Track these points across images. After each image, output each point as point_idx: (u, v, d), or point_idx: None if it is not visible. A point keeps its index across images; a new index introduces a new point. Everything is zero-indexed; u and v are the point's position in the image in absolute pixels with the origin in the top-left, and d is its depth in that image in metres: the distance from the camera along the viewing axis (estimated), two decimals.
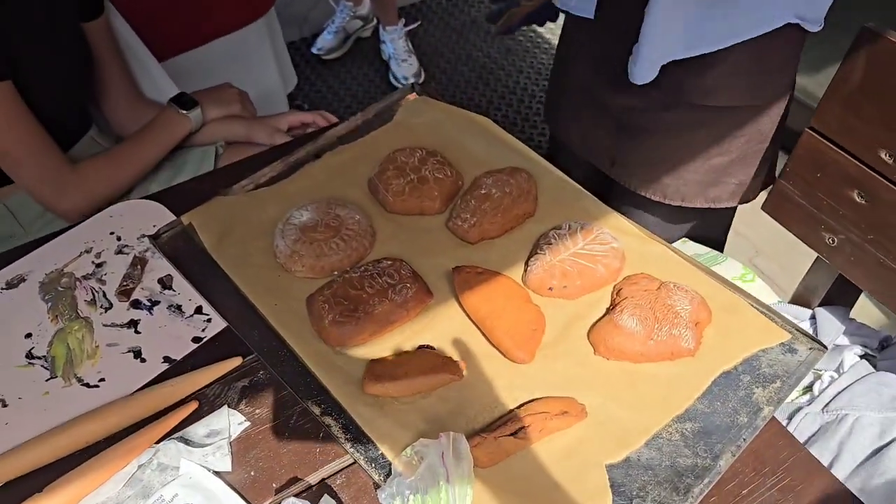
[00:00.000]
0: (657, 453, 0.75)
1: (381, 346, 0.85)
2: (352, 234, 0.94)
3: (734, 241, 1.40)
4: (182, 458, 0.74)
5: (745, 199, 1.23)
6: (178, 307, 0.90)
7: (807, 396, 1.16)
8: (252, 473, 0.76)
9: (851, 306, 1.30)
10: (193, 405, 0.80)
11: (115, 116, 1.36)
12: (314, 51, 2.64)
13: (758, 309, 0.87)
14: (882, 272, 1.10)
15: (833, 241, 1.15)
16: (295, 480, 0.75)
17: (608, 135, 1.21)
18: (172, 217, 1.00)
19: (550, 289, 0.88)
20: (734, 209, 1.28)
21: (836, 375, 1.17)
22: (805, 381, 1.19)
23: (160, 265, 0.95)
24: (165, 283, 0.93)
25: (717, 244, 1.33)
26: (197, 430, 0.78)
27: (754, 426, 0.77)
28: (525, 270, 0.91)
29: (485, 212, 0.95)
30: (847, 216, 1.12)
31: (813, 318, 1.25)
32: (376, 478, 0.74)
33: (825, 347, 0.83)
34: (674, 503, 0.72)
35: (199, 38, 1.68)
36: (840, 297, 1.29)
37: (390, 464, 0.74)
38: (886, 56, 1.00)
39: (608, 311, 0.87)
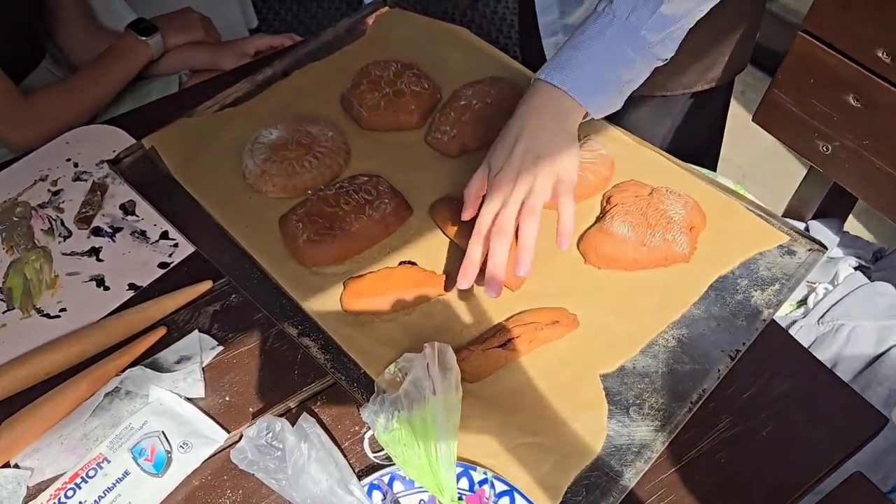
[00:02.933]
0: (653, 361, 0.72)
1: (359, 265, 0.80)
2: (325, 152, 0.88)
3: (720, 167, 1.36)
4: (151, 385, 0.70)
5: (742, 69, 1.17)
6: (143, 233, 0.85)
7: (801, 309, 1.14)
8: (227, 399, 0.72)
9: (845, 219, 1.27)
10: (162, 331, 0.75)
11: (71, 46, 1.28)
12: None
13: (754, 212, 0.83)
14: (878, 178, 1.06)
15: (827, 148, 1.11)
16: (273, 404, 0.71)
17: None
18: (133, 141, 0.94)
19: None
20: (731, 86, 1.21)
21: (830, 287, 1.14)
22: (799, 294, 1.16)
23: (121, 191, 0.89)
24: (128, 209, 0.87)
25: (709, 147, 1.28)
26: (166, 356, 0.74)
27: (753, 329, 0.73)
28: None
29: (465, 123, 0.89)
30: (841, 122, 1.07)
31: (806, 230, 1.21)
32: (359, 398, 0.70)
33: (825, 248, 0.80)
34: (671, 409, 0.68)
35: None
36: (833, 209, 1.25)
37: (373, 383, 0.70)
38: None
39: (598, 219, 0.83)
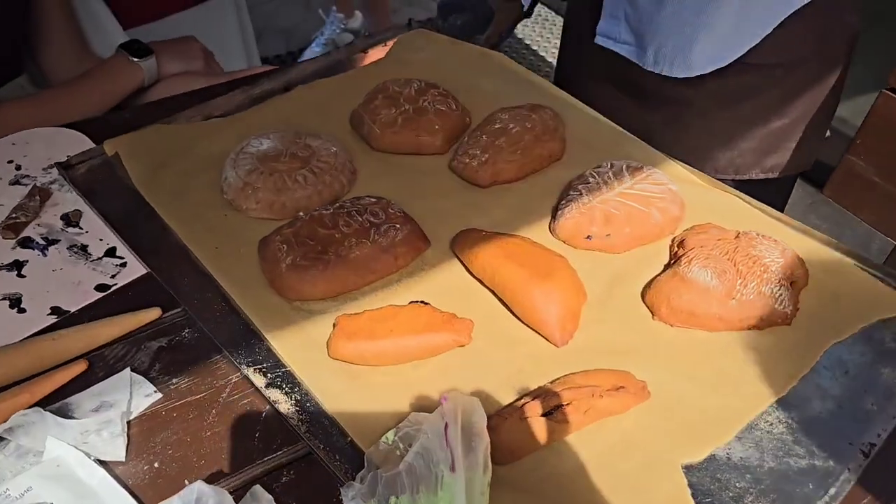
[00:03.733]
0: (755, 451, 0.52)
1: (356, 303, 0.61)
2: (325, 168, 0.71)
3: None
4: (49, 436, 0.49)
5: (807, 165, 1.01)
6: (83, 248, 0.66)
7: None
8: (156, 465, 0.51)
9: None
10: (81, 366, 0.56)
11: (53, 68, 1.14)
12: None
13: (868, 270, 0.65)
14: None
15: None
16: (220, 476, 0.50)
17: (640, 111, 0.98)
18: (93, 146, 0.77)
19: (589, 237, 0.65)
20: (792, 183, 1.05)
21: None
22: None
23: (67, 199, 0.72)
24: (71, 220, 0.69)
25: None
26: (81, 400, 0.53)
27: (889, 417, 0.53)
28: (553, 218, 0.69)
29: (500, 148, 0.73)
30: None
31: None
32: (341, 475, 0.50)
33: None
34: None
35: (161, 8, 1.48)
36: None
37: (363, 455, 0.49)
38: None
39: (668, 266, 0.64)
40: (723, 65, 0.85)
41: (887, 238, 0.96)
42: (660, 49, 0.86)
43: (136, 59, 1.06)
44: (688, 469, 0.50)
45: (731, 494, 0.49)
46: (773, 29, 0.83)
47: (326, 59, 0.90)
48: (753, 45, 0.84)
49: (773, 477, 0.50)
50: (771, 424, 0.53)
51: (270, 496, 0.45)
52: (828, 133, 1.00)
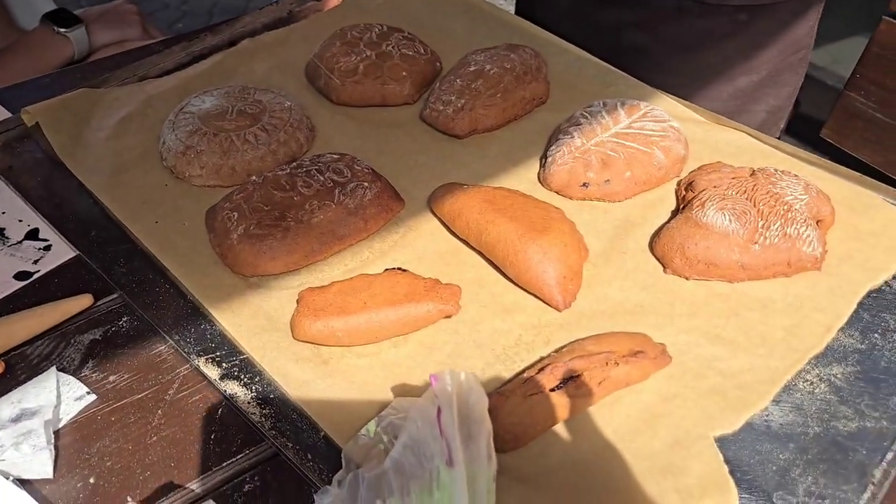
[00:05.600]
0: (797, 415, 0.44)
1: (322, 275, 0.53)
2: (278, 124, 0.62)
3: None
4: None
5: (776, 132, 0.93)
6: (0, 231, 0.57)
7: None
8: (91, 481, 0.42)
9: None
10: None
11: None
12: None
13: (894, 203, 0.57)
14: None
15: None
16: (170, 489, 0.42)
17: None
18: (9, 116, 0.67)
19: (585, 185, 0.57)
20: None
21: None
22: None
23: None
24: None
25: None
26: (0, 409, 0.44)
27: None
28: (542, 166, 0.61)
29: (477, 92, 0.64)
30: None
31: None
32: (314, 477, 0.41)
33: None
34: (844, 497, 0.40)
35: None
36: None
37: (339, 453, 0.41)
38: None
39: (677, 212, 0.57)
40: None
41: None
42: None
43: (62, 31, 0.96)
44: (722, 442, 0.43)
45: (774, 468, 0.42)
46: None
47: (276, 9, 0.80)
48: None
49: (821, 444, 0.43)
50: (812, 384, 0.46)
51: None
52: (784, 126, 0.91)
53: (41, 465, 0.42)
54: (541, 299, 0.51)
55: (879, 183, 0.59)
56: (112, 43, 1.02)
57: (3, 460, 0.41)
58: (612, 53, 0.77)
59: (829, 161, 0.61)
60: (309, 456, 0.43)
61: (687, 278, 0.52)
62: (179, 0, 2.62)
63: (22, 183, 0.60)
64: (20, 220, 0.58)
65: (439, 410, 0.35)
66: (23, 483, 0.41)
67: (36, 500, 0.40)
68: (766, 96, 0.84)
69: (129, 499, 0.42)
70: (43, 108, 0.65)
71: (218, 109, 0.62)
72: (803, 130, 1.31)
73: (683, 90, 0.81)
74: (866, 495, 0.41)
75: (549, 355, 0.47)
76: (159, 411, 0.46)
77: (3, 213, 0.59)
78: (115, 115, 0.66)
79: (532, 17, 0.89)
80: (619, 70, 0.71)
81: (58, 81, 0.73)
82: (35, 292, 0.53)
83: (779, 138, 0.90)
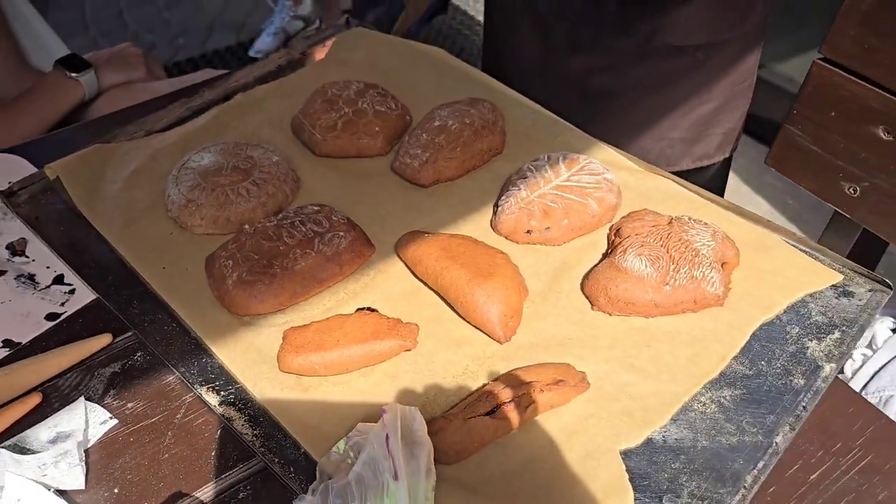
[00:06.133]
0: (689, 431, 0.54)
1: (304, 314, 0.63)
2: (267, 178, 0.72)
3: None
4: (8, 473, 0.50)
5: (731, 151, 1.05)
6: (31, 277, 0.67)
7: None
8: (115, 491, 0.52)
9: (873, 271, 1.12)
10: (35, 399, 0.57)
11: None
12: (251, 53, 2.42)
13: (796, 246, 0.67)
14: None
15: (855, 190, 0.96)
16: (178, 497, 0.52)
17: (568, 107, 0.99)
18: (35, 171, 0.77)
19: (529, 232, 0.67)
20: (727, 165, 1.08)
21: (868, 353, 0.97)
22: None
23: (12, 228, 0.72)
24: (16, 249, 0.69)
25: None
26: (37, 433, 0.55)
27: (815, 389, 0.56)
28: (494, 214, 0.70)
29: (440, 146, 0.74)
30: (871, 159, 0.93)
31: None
32: (296, 487, 0.51)
33: (889, 287, 0.64)
34: (720, 498, 0.50)
35: None
36: (861, 262, 1.10)
37: (314, 465, 0.51)
38: None
39: (606, 255, 0.66)
40: None
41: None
42: None
43: (74, 75, 1.06)
44: (626, 454, 0.53)
45: (666, 476, 0.52)
46: (697, 9, 0.85)
47: (266, 64, 0.90)
48: None
49: (706, 455, 0.53)
50: (704, 405, 0.56)
51: None
52: (737, 144, 1.02)
53: (75, 479, 0.52)
54: (486, 334, 0.61)
55: (780, 226, 0.69)
56: (120, 84, 1.12)
57: (45, 475, 0.51)
58: (581, 97, 0.88)
59: (738, 206, 0.71)
60: (291, 469, 0.53)
61: (610, 314, 0.62)
62: (180, 16, 2.71)
63: (47, 233, 0.70)
64: (48, 267, 0.68)
65: (387, 436, 0.45)
66: (61, 493, 0.51)
67: None
68: (721, 121, 0.95)
69: None
70: (63, 164, 0.75)
71: (215, 165, 0.72)
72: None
73: (649, 124, 0.92)
74: (738, 497, 0.51)
75: (487, 383, 0.56)
76: (169, 433, 0.56)
77: (34, 260, 0.69)
78: (126, 169, 0.76)
79: (500, 67, 1.00)
80: (566, 122, 0.80)
81: (74, 136, 0.83)
82: (63, 331, 0.63)
83: (734, 150, 1.01)
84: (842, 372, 0.97)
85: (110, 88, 1.11)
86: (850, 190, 0.96)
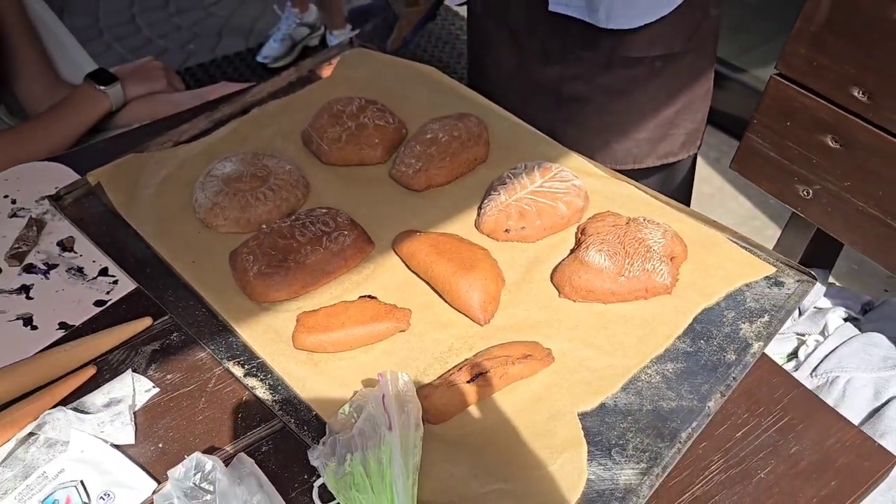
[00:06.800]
0: (636, 398, 0.65)
1: (314, 301, 0.74)
2: (281, 184, 0.83)
3: None
4: (73, 430, 0.61)
5: (694, 150, 1.16)
6: (80, 270, 0.78)
7: (793, 363, 1.07)
8: (160, 445, 0.63)
9: (831, 269, 1.23)
10: (90, 371, 0.68)
11: (30, 100, 1.24)
12: (259, 59, 2.54)
13: (737, 243, 0.78)
14: (862, 220, 1.02)
15: (808, 193, 1.07)
16: (212, 450, 0.63)
17: (544, 112, 1.10)
18: (77, 178, 0.88)
19: (507, 231, 0.78)
20: (692, 164, 1.19)
21: (821, 339, 1.08)
22: (790, 347, 1.10)
23: (60, 227, 0.83)
24: (66, 246, 0.80)
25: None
26: (93, 399, 0.66)
27: (744, 363, 0.67)
28: (478, 215, 0.81)
29: (431, 156, 0.85)
30: (821, 164, 1.04)
31: None
32: (308, 441, 0.62)
33: (814, 278, 0.75)
34: (658, 450, 0.61)
35: None
36: (818, 259, 1.21)
37: (324, 424, 0.62)
38: None
39: (572, 251, 0.77)
40: (664, 13, 0.97)
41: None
42: (610, 6, 0.95)
43: (102, 88, 1.16)
44: (583, 416, 0.64)
45: (615, 433, 0.63)
46: (650, 24, 0.96)
47: (278, 80, 1.01)
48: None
49: (649, 417, 0.64)
50: (650, 376, 0.67)
51: (252, 460, 0.58)
52: (700, 143, 1.13)
53: (127, 436, 0.63)
54: (469, 317, 0.72)
55: (725, 226, 0.80)
56: (143, 95, 1.23)
57: (102, 432, 0.62)
58: (556, 102, 0.98)
59: (690, 209, 0.81)
60: (305, 428, 0.63)
61: (574, 301, 0.73)
62: (191, 22, 2.81)
63: (91, 231, 0.81)
64: (94, 261, 0.79)
65: (383, 396, 0.56)
66: (115, 447, 0.62)
67: (126, 457, 0.61)
68: (683, 122, 1.06)
69: (184, 457, 0.62)
70: (102, 171, 0.86)
71: (236, 173, 0.83)
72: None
73: (618, 126, 1.04)
74: (673, 450, 0.61)
75: (469, 357, 0.67)
76: (202, 399, 0.67)
77: (81, 255, 0.80)
78: (157, 176, 0.86)
79: (482, 78, 1.11)
80: (542, 134, 0.91)
81: (110, 146, 0.94)
82: (109, 315, 0.74)
83: (699, 148, 1.12)
84: (796, 356, 1.08)
85: (134, 99, 1.22)
86: (804, 192, 1.07)
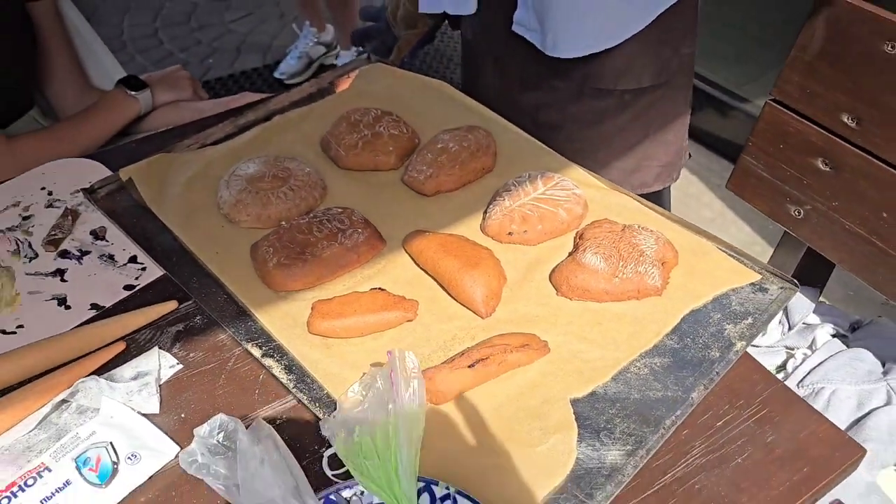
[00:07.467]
0: (625, 387, 0.70)
1: (328, 291, 0.79)
2: (300, 185, 0.89)
3: None
4: (104, 397, 0.67)
5: (670, 182, 1.20)
6: (111, 256, 0.84)
7: (781, 374, 1.12)
8: (182, 416, 0.69)
9: (822, 289, 1.27)
10: (120, 346, 0.73)
11: (60, 101, 1.31)
12: (277, 75, 2.62)
13: (726, 251, 0.83)
14: (849, 239, 1.07)
15: (799, 212, 1.12)
16: None
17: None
18: (110, 174, 0.94)
19: (510, 234, 0.84)
20: (667, 196, 1.24)
21: (809, 353, 1.13)
22: (779, 360, 1.15)
23: (93, 218, 0.89)
24: (98, 235, 0.86)
25: None
26: (122, 371, 0.71)
27: (727, 360, 0.72)
28: (483, 219, 0.87)
29: (441, 164, 0.91)
30: (812, 185, 1.10)
31: None
32: (320, 416, 0.67)
33: (797, 285, 0.80)
34: (643, 435, 0.66)
35: None
36: (809, 277, 1.26)
37: (335, 402, 0.67)
38: (844, 18, 0.99)
39: (570, 254, 0.83)
40: (611, 45, 0.99)
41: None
42: (556, 33, 0.99)
43: (133, 93, 1.23)
44: (574, 402, 0.69)
45: (604, 418, 0.67)
46: (615, 55, 1.00)
47: (299, 91, 1.07)
48: (638, 29, 0.99)
49: (636, 405, 0.68)
50: (639, 369, 0.72)
51: (270, 426, 0.63)
52: (689, 154, 1.19)
53: (152, 405, 0.68)
54: (472, 311, 0.77)
55: (714, 236, 0.85)
56: (170, 102, 1.30)
57: (130, 401, 0.68)
58: (532, 129, 1.04)
59: (683, 219, 0.87)
60: (317, 404, 0.68)
61: (570, 299, 0.78)
62: (211, 37, 2.90)
63: (122, 222, 0.87)
64: (124, 250, 0.85)
65: (391, 371, 0.62)
66: (142, 415, 0.68)
67: (152, 423, 0.67)
68: (656, 154, 1.11)
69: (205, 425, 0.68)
70: (133, 168, 0.92)
71: (259, 174, 0.89)
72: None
73: (590, 154, 1.09)
74: (657, 435, 0.66)
75: (470, 345, 0.72)
76: (222, 376, 0.72)
77: (112, 244, 0.85)
78: (185, 174, 0.92)
79: (472, 95, 1.17)
80: (546, 147, 0.97)
81: (140, 147, 1.00)
82: (137, 299, 0.79)
83: (675, 180, 1.17)
84: (784, 368, 1.13)
85: (162, 105, 1.29)
86: (795, 212, 1.13)
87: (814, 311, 1.20)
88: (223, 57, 2.81)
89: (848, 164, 1.04)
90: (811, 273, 1.26)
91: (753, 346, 0.94)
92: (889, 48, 0.95)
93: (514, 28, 1.04)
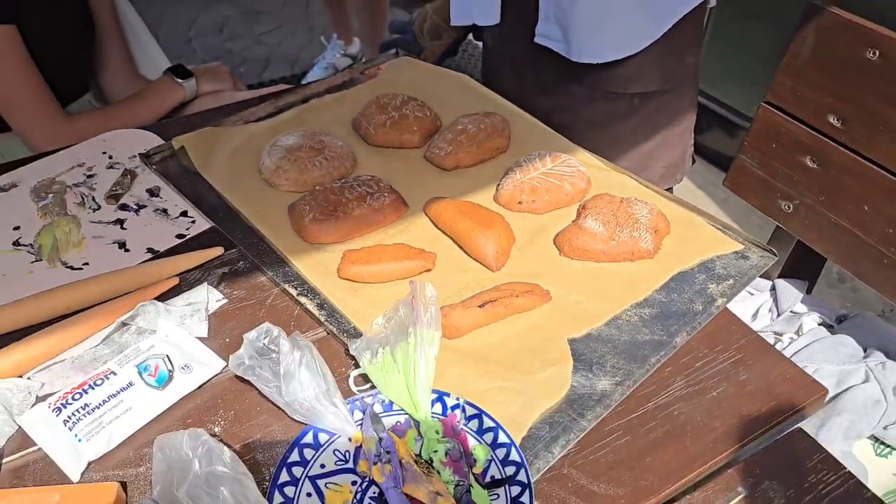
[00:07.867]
0: (616, 331, 0.79)
1: (356, 245, 0.89)
2: (334, 155, 0.99)
3: None
4: (160, 319, 0.77)
5: (674, 182, 1.30)
6: (164, 211, 0.94)
7: None
8: (227, 340, 0.78)
9: (813, 284, 1.36)
10: (174, 281, 0.83)
11: (112, 89, 1.43)
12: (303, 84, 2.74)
13: (713, 224, 0.93)
14: (835, 232, 1.16)
15: (789, 207, 1.22)
16: None
17: None
18: (162, 143, 1.05)
19: (520, 203, 0.93)
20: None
21: (795, 337, 1.21)
22: None
23: (149, 179, 0.99)
24: (153, 192, 0.97)
25: None
26: (176, 301, 0.81)
27: (708, 312, 0.81)
28: (496, 190, 0.97)
29: (460, 143, 1.01)
30: (801, 182, 1.19)
31: (773, 288, 1.30)
32: (348, 343, 0.77)
33: (775, 254, 0.89)
34: (631, 370, 0.75)
35: None
36: (799, 271, 1.34)
37: (360, 334, 0.77)
38: (831, 27, 1.09)
39: (573, 222, 0.92)
40: (631, 52, 1.09)
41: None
42: (580, 44, 1.10)
43: (180, 81, 1.35)
44: (571, 341, 0.78)
45: (597, 355, 0.77)
46: (627, 62, 1.10)
47: (335, 78, 1.18)
48: (654, 38, 1.09)
49: (625, 346, 0.77)
50: (630, 316, 0.81)
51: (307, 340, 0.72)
52: (693, 160, 1.28)
53: (202, 329, 0.78)
54: (483, 265, 0.86)
55: (703, 211, 0.94)
56: (212, 92, 1.41)
57: (183, 324, 0.78)
58: (549, 127, 1.14)
59: (676, 196, 0.96)
60: (345, 334, 0.78)
61: (572, 259, 0.88)
62: (241, 47, 3.04)
63: (175, 183, 0.98)
64: (176, 205, 0.95)
65: (412, 298, 0.71)
66: (193, 336, 0.77)
67: (202, 343, 0.76)
68: (661, 156, 1.21)
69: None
70: (185, 138, 1.03)
71: (297, 144, 0.99)
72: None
73: (600, 153, 1.18)
74: (643, 370, 0.75)
75: (480, 291, 0.82)
76: (262, 310, 0.82)
77: (166, 200, 0.96)
78: (230, 145, 1.03)
79: None
80: (558, 133, 1.07)
81: (190, 121, 1.11)
82: (188, 246, 0.90)
83: (679, 181, 1.26)
84: None
85: (204, 94, 1.40)
86: (786, 206, 1.22)
87: (803, 303, 1.28)
88: (253, 67, 2.95)
89: (834, 162, 1.14)
90: (800, 266, 1.34)
91: None
92: (871, 54, 1.06)
93: (537, 40, 1.14)
